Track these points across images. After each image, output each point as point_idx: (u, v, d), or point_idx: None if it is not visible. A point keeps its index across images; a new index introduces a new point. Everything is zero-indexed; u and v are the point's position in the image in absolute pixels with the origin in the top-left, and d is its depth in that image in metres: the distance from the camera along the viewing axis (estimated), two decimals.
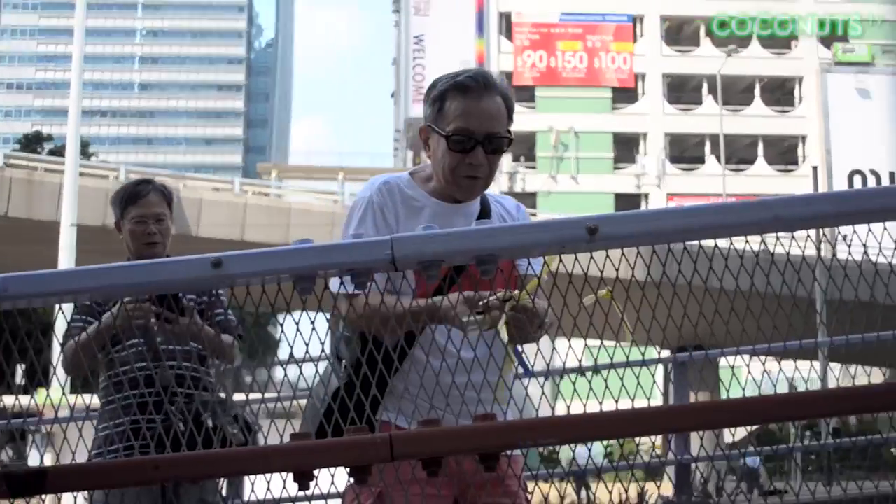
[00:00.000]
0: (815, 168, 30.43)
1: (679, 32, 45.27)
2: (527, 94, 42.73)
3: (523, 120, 42.02)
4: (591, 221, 1.76)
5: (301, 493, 1.63)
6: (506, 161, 41.94)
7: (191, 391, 3.22)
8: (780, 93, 44.46)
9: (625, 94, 43.62)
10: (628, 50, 43.88)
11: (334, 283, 1.92)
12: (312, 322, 1.85)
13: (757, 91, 43.81)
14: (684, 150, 43.20)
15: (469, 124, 2.27)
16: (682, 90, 43.74)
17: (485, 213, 2.40)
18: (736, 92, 43.10)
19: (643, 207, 41.52)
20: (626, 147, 43.06)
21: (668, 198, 41.45)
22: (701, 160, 42.53)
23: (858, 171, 39.81)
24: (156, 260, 1.65)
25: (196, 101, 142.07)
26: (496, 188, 41.85)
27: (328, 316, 2.31)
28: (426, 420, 1.68)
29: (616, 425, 1.71)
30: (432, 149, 2.35)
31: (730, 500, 10.79)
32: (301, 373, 2.18)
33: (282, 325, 1.96)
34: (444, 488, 2.20)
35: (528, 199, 40.41)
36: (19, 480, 1.48)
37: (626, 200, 41.29)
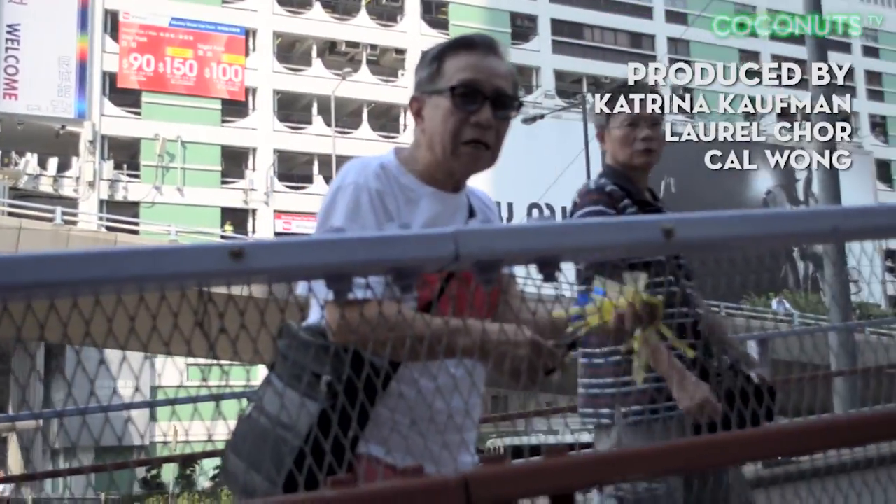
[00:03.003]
0: None
1: (291, 50, 45.51)
2: (132, 98, 40.63)
3: (128, 125, 39.94)
4: (667, 223, 1.51)
5: None
6: (106, 168, 39.58)
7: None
8: (386, 119, 46.06)
9: (235, 108, 42.91)
10: (240, 63, 43.29)
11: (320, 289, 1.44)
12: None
13: (365, 115, 45.07)
14: (293, 168, 43.33)
15: (476, 76, 1.94)
16: (292, 108, 43.88)
17: (470, 205, 2.08)
18: (345, 114, 44.05)
19: (250, 224, 41.21)
20: (234, 161, 42.34)
21: (276, 215, 41.44)
22: (309, 179, 42.90)
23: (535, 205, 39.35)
24: (165, 246, 1.14)
25: None
26: (95, 196, 39.56)
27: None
28: (492, 457, 1.30)
29: (712, 453, 1.44)
30: (427, 119, 1.97)
31: None
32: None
33: None
34: None
35: (130, 209, 38.49)
36: None
37: (234, 215, 40.65)
